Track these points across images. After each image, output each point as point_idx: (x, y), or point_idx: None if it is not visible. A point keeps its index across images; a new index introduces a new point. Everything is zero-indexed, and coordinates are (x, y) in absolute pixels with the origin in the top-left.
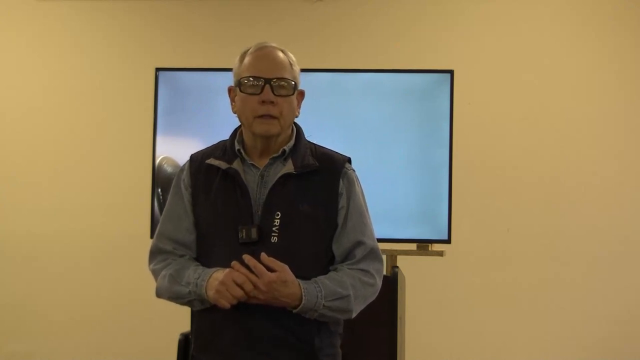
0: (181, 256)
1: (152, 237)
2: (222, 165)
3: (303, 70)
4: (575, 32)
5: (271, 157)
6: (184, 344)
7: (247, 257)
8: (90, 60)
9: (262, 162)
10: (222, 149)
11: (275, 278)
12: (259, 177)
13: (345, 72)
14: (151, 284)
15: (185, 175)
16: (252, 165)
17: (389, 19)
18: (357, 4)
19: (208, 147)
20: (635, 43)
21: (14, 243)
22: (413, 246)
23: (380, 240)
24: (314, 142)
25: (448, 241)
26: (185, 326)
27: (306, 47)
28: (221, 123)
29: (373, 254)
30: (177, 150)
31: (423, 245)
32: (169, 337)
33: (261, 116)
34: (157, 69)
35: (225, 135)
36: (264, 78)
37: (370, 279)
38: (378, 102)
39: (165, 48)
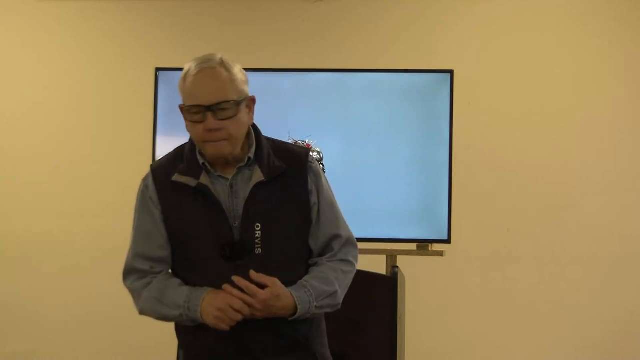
0: (159, 272)
1: None
2: (191, 182)
3: (303, 70)
4: (575, 32)
5: (238, 166)
6: None
7: (237, 279)
8: (90, 60)
9: (229, 172)
10: (186, 162)
11: (269, 295)
12: (229, 187)
13: (345, 72)
14: None
15: (151, 193)
16: (220, 176)
17: (389, 19)
18: (357, 4)
19: (166, 157)
20: (635, 43)
21: (13, 243)
22: (413, 246)
23: (380, 240)
24: (272, 137)
25: (448, 241)
26: None
27: (306, 47)
28: None
29: (349, 243)
30: None
31: (423, 245)
32: (169, 337)
33: (207, 141)
34: (157, 69)
35: None
36: (204, 106)
37: (349, 267)
38: (378, 102)
39: (165, 48)
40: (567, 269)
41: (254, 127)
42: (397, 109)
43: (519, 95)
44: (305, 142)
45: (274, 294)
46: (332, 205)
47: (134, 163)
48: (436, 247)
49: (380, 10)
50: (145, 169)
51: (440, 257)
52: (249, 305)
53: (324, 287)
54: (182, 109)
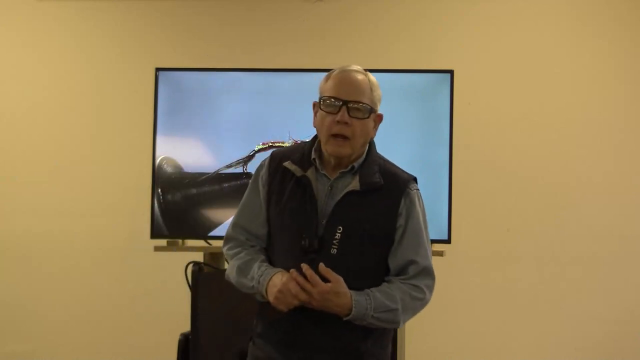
0: (252, 246)
1: (152, 237)
2: (297, 172)
3: (303, 70)
4: (575, 32)
5: (341, 171)
6: (184, 344)
7: (304, 267)
8: (90, 60)
9: (334, 174)
10: (300, 154)
11: (328, 289)
12: (328, 188)
13: None
14: (150, 284)
15: (264, 173)
16: (324, 175)
17: (389, 19)
18: (357, 4)
19: (289, 147)
20: (635, 43)
21: (13, 243)
22: None
23: None
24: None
25: (448, 241)
26: (185, 326)
27: (306, 47)
28: (221, 123)
29: (425, 272)
30: (177, 150)
31: None
32: (169, 337)
33: (334, 135)
34: (157, 69)
35: (223, 136)
36: (342, 100)
37: (420, 294)
38: None
39: (165, 48)
40: (567, 269)
41: (372, 143)
42: (397, 109)
43: (519, 95)
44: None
45: (334, 289)
46: (418, 234)
47: (134, 163)
48: (436, 247)
49: (380, 10)
50: (145, 169)
51: (440, 257)
52: (308, 294)
53: (386, 301)
54: (318, 103)
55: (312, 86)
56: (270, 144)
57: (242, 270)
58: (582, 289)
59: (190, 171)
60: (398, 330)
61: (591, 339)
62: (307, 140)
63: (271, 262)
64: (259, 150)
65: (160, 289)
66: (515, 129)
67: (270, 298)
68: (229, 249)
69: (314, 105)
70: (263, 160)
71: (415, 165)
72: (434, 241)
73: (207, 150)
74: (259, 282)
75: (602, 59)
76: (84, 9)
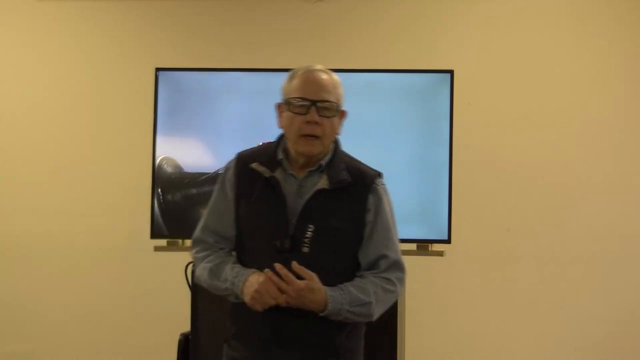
0: (221, 249)
1: (152, 237)
2: (266, 172)
3: None
4: (575, 32)
5: (309, 169)
6: (184, 344)
7: (278, 266)
8: (90, 60)
9: (302, 173)
10: (267, 155)
11: (303, 286)
12: (297, 187)
13: (346, 72)
14: (150, 284)
15: (230, 175)
16: (292, 175)
17: (389, 19)
18: (357, 4)
19: (254, 148)
20: (635, 43)
21: (13, 243)
22: (413, 246)
23: None
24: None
25: (448, 241)
26: (185, 326)
27: (306, 47)
28: (221, 123)
29: (396, 265)
30: (177, 150)
31: (423, 245)
32: (169, 337)
33: (305, 135)
34: (157, 69)
35: (223, 136)
36: (310, 100)
37: (391, 286)
38: (378, 102)
39: (165, 48)
40: (567, 269)
41: (337, 141)
42: (397, 109)
43: (519, 95)
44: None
45: (309, 286)
46: (387, 228)
47: (134, 163)
48: (436, 247)
49: (380, 10)
50: (145, 169)
51: (440, 257)
52: (284, 292)
53: (360, 295)
54: (281, 105)
55: None
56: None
57: (214, 272)
58: (582, 289)
59: (190, 171)
60: (398, 330)
61: (591, 339)
62: (273, 141)
63: (242, 263)
64: (259, 146)
65: (160, 289)
66: (515, 129)
67: (247, 298)
68: (197, 252)
69: (278, 106)
70: (229, 163)
71: (415, 165)
72: (434, 241)
73: (207, 150)
74: (233, 284)
75: (602, 59)
76: (84, 9)
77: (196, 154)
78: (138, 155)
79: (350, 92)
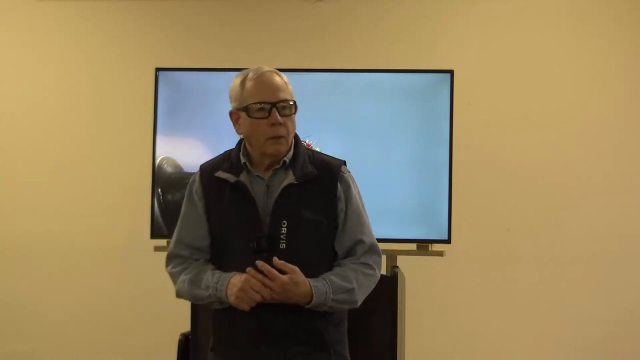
0: (197, 260)
1: (152, 237)
2: (231, 178)
3: (303, 70)
4: (575, 32)
5: (273, 168)
6: (184, 344)
7: (260, 263)
8: (90, 60)
9: (267, 173)
10: (229, 162)
11: (287, 280)
12: (265, 187)
13: (345, 72)
14: (150, 284)
15: (197, 187)
16: (258, 176)
17: (389, 19)
18: (357, 4)
19: (216, 158)
20: (636, 43)
21: (13, 243)
22: (413, 246)
23: (380, 240)
24: (313, 147)
25: (448, 241)
26: (185, 326)
27: (306, 47)
28: (221, 123)
29: (372, 249)
30: (177, 150)
31: (423, 245)
32: (169, 337)
33: (272, 137)
34: (157, 69)
35: (223, 136)
36: (269, 102)
37: (370, 270)
38: (378, 102)
39: (165, 48)
40: (567, 269)
41: (296, 136)
42: (397, 109)
43: (519, 95)
44: (306, 142)
45: (293, 280)
46: (359, 214)
47: (134, 163)
48: (436, 247)
49: (380, 10)
50: (145, 168)
51: (440, 257)
52: (268, 288)
53: (342, 282)
54: (237, 112)
55: (312, 86)
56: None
57: (194, 282)
58: (582, 289)
59: (190, 171)
60: (398, 330)
61: (591, 339)
62: (231, 149)
63: (221, 270)
64: (219, 155)
65: (160, 289)
66: (515, 129)
67: (232, 299)
68: (173, 268)
69: (231, 114)
70: (193, 175)
71: (415, 165)
72: (434, 241)
73: (207, 150)
74: (216, 289)
75: (602, 59)
76: (84, 9)
77: (196, 154)
78: (138, 155)
79: (350, 92)
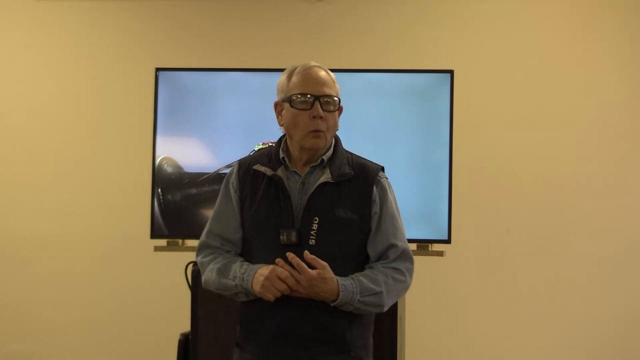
0: (227, 252)
1: (152, 237)
2: (268, 172)
3: None
4: (575, 32)
5: (311, 165)
6: (184, 344)
7: (290, 255)
8: (90, 61)
9: (304, 170)
10: (268, 156)
11: (315, 275)
12: (300, 183)
13: (345, 72)
14: (151, 284)
15: (233, 179)
16: (295, 172)
17: (389, 19)
18: (357, 4)
19: (254, 154)
20: (636, 43)
21: (14, 243)
22: (413, 246)
23: None
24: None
25: (448, 241)
26: (185, 326)
27: (306, 47)
28: (221, 123)
29: (404, 255)
30: (177, 150)
31: (423, 245)
32: (169, 337)
33: (312, 131)
34: (157, 69)
35: (223, 136)
36: (313, 95)
37: (401, 276)
38: (378, 102)
39: (165, 48)
40: (567, 269)
41: (337, 137)
42: (397, 109)
43: (519, 96)
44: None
45: (321, 275)
46: (394, 218)
47: (134, 163)
48: (436, 247)
49: (380, 10)
50: (145, 169)
51: (440, 257)
52: (296, 281)
53: (371, 285)
54: (281, 103)
55: None
56: (270, 144)
57: (223, 271)
58: (581, 289)
59: (190, 171)
60: (398, 329)
61: (591, 339)
62: (272, 144)
63: (250, 262)
64: (259, 150)
65: (160, 289)
66: (515, 129)
67: (257, 288)
68: (203, 257)
69: (276, 105)
70: (231, 168)
71: (415, 166)
72: (434, 241)
73: (207, 150)
74: (242, 279)
75: (603, 59)
76: (84, 9)
77: (196, 154)
78: (138, 155)
79: (350, 92)
